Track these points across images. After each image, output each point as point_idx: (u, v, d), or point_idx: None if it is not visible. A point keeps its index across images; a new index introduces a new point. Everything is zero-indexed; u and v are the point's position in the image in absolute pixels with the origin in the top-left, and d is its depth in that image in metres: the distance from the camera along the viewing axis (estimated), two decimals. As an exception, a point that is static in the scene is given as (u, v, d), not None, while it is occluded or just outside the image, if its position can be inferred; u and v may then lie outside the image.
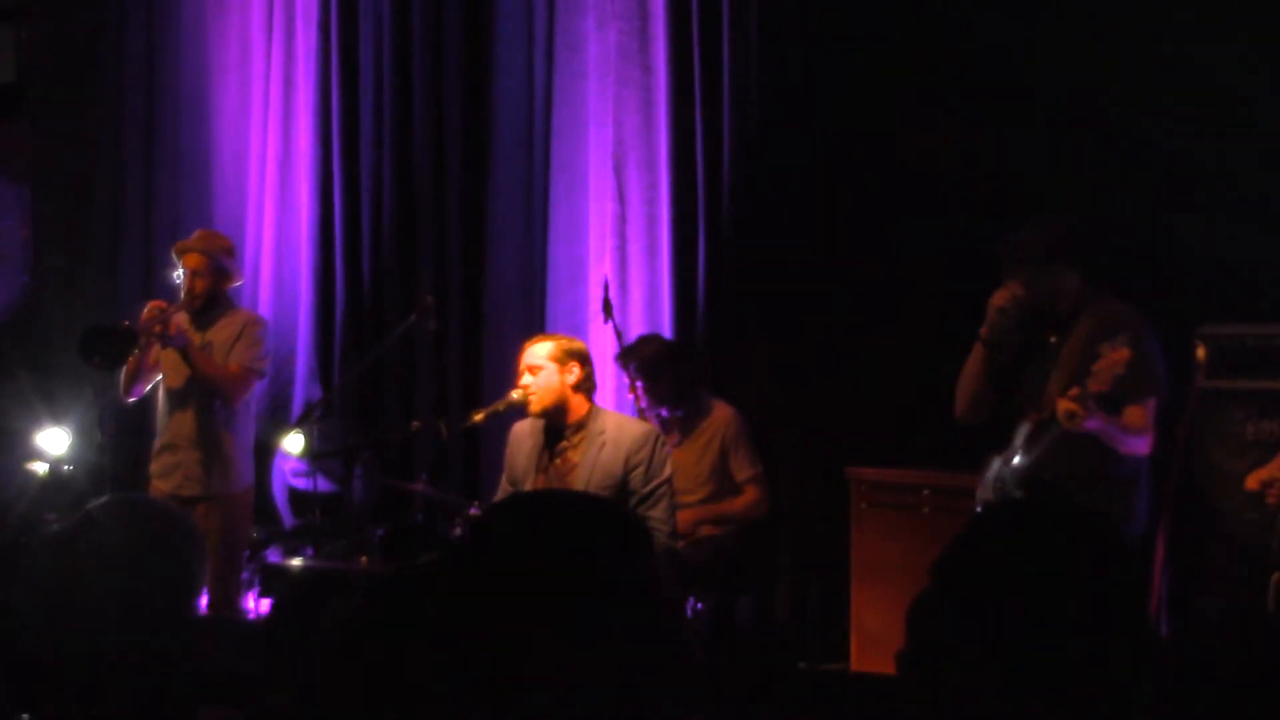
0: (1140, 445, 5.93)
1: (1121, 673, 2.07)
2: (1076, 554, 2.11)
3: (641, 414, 7.36)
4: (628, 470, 6.11)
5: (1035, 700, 2.05)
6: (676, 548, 6.27)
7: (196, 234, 7.88)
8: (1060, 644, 2.05)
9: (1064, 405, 5.64)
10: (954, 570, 2.17)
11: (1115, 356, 5.51)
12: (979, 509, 6.29)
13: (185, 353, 7.39)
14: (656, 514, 6.10)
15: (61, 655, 2.58)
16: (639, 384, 7.43)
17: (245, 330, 7.64)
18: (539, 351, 6.29)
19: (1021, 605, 2.07)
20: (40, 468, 8.75)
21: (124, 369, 7.54)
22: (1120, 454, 5.85)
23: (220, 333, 7.64)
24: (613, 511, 2.28)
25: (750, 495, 7.55)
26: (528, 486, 6.27)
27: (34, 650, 2.54)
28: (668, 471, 6.23)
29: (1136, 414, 5.86)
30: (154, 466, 7.70)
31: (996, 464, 6.12)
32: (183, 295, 7.62)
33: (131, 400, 7.71)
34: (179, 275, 7.69)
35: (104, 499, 2.76)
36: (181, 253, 7.69)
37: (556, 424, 6.28)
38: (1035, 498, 5.47)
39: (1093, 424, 5.65)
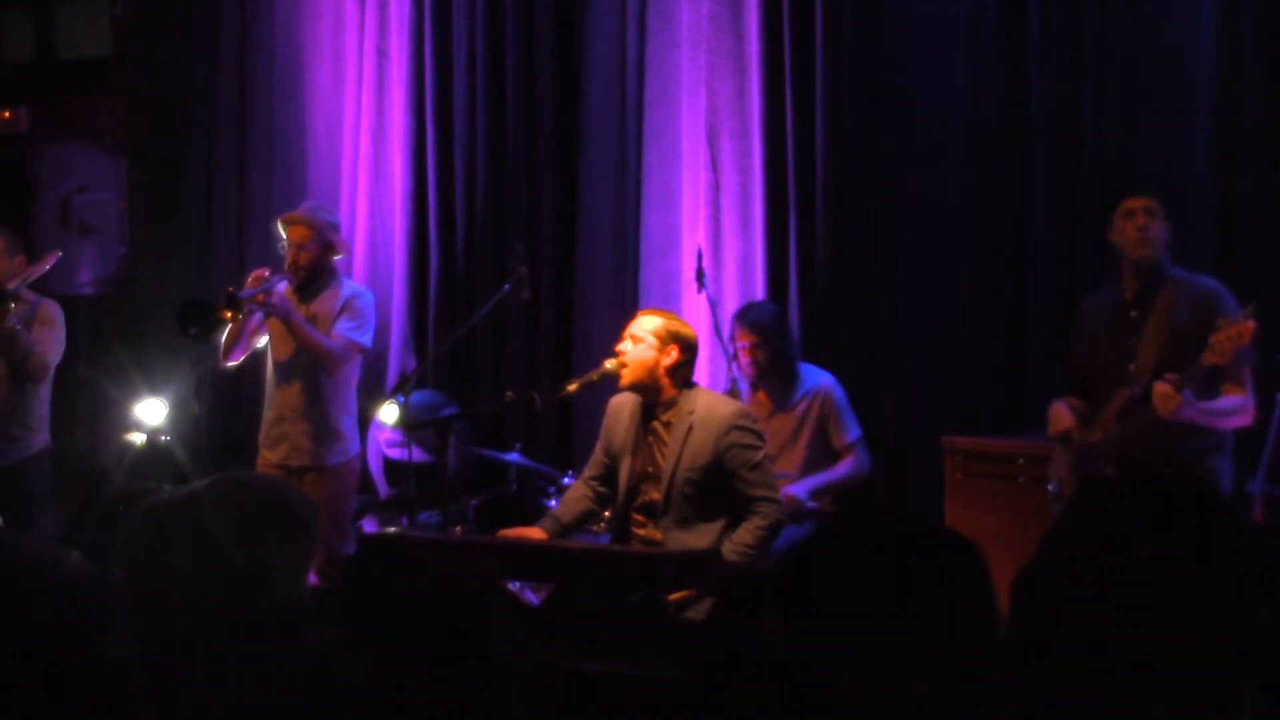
0: (1243, 420, 5.91)
1: (1226, 643, 2.05)
2: (1182, 526, 2.09)
3: (735, 387, 7.32)
4: (719, 453, 6.00)
5: (1141, 674, 2.02)
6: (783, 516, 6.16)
7: (304, 206, 7.90)
8: (1166, 617, 2.02)
9: (1160, 389, 5.62)
10: (1060, 544, 2.15)
11: (1242, 329, 5.49)
12: (1053, 485, 6.27)
13: (288, 320, 7.44)
14: (761, 492, 6.02)
15: (165, 631, 2.58)
16: (745, 345, 7.39)
17: (349, 303, 7.66)
18: (646, 324, 6.21)
19: (1127, 579, 2.05)
20: (137, 438, 8.83)
21: (225, 333, 7.58)
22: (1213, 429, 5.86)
23: (324, 304, 7.67)
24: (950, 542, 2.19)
25: (852, 459, 7.46)
26: (625, 461, 6.23)
27: (136, 624, 2.54)
28: (763, 446, 6.16)
29: (1236, 391, 5.84)
30: (262, 437, 7.77)
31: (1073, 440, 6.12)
32: (286, 266, 7.66)
33: (231, 364, 7.76)
34: (283, 245, 7.71)
35: (211, 477, 2.75)
36: (287, 224, 7.69)
37: (648, 400, 6.23)
38: (1131, 472, 5.44)
39: (1188, 413, 5.63)
